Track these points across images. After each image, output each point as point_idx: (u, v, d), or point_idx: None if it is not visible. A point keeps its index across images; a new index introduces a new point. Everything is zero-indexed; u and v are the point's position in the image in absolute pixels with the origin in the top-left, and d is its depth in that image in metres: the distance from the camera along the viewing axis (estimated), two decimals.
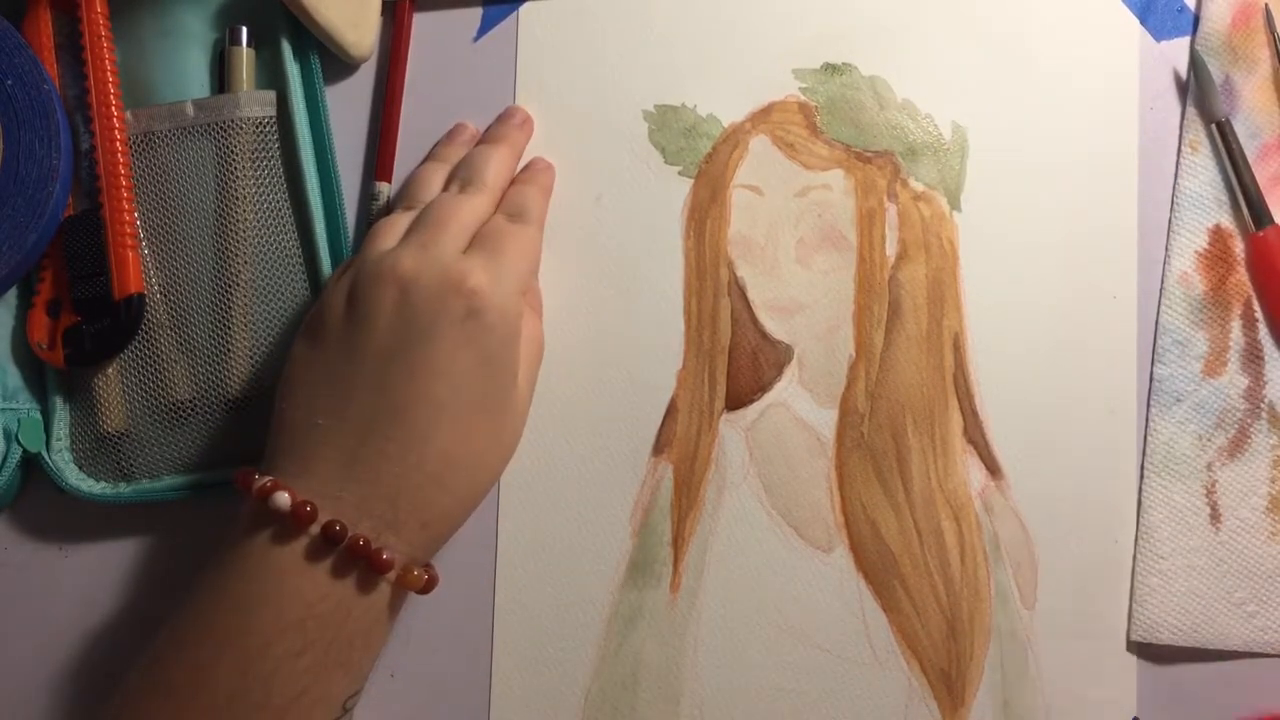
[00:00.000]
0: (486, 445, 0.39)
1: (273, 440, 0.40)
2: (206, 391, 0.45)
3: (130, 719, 0.37)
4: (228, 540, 0.38)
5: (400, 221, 0.43)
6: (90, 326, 0.44)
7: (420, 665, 0.46)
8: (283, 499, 0.37)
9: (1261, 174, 0.47)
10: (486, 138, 0.47)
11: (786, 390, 0.47)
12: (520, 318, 0.40)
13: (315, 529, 0.37)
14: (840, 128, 0.48)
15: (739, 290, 0.47)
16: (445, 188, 0.45)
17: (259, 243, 0.46)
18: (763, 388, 0.47)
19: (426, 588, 0.39)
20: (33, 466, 0.46)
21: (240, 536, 0.38)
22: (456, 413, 0.38)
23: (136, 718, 0.37)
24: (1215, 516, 0.46)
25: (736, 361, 0.47)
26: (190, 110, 0.46)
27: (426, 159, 0.47)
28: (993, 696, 0.45)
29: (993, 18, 0.48)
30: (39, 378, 0.46)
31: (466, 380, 0.38)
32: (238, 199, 0.46)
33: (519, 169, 0.47)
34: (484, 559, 0.46)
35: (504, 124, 0.47)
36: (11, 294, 0.46)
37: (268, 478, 0.38)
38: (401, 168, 0.48)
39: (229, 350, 0.45)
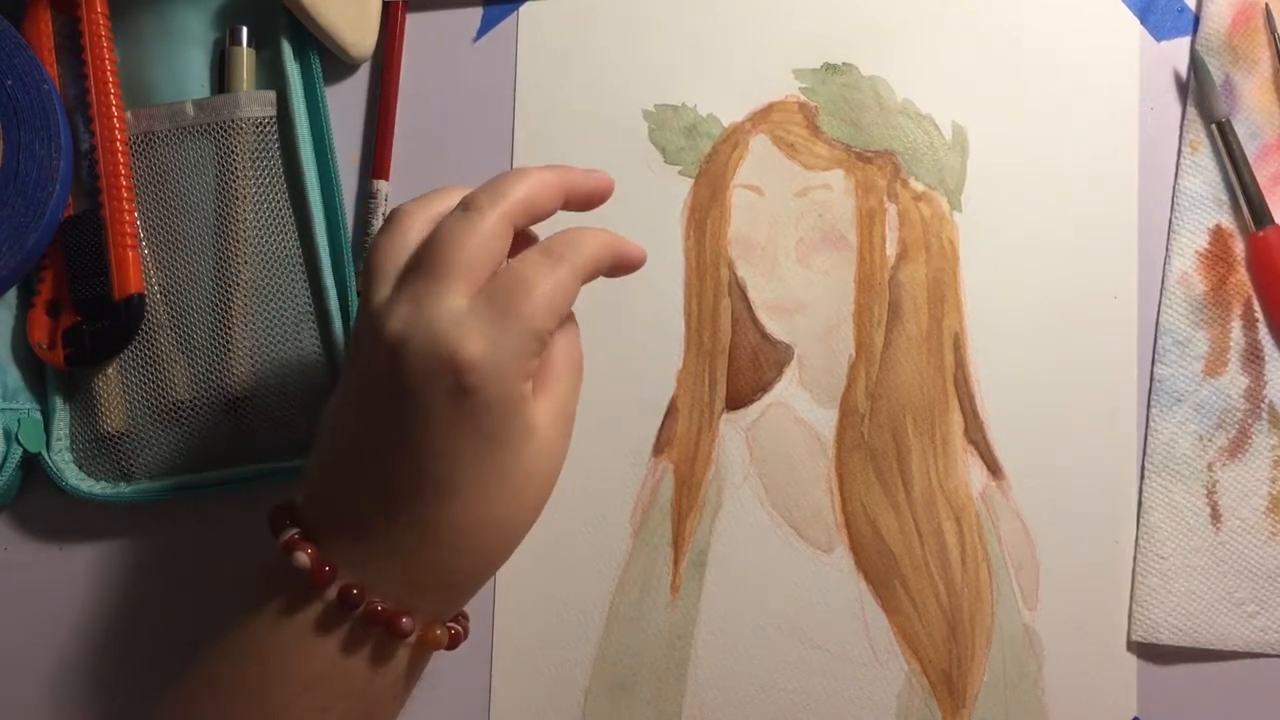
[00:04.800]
0: (506, 506, 0.36)
1: (308, 471, 0.38)
2: (206, 391, 0.45)
3: None
4: (258, 578, 0.37)
5: (394, 251, 0.36)
6: (90, 326, 0.44)
7: None
8: (302, 559, 0.35)
9: (1261, 174, 0.47)
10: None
11: (787, 390, 0.47)
12: (525, 381, 0.35)
13: (332, 593, 0.35)
14: (840, 128, 0.48)
15: (739, 290, 0.47)
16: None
17: (259, 243, 0.46)
18: (763, 388, 0.47)
19: (452, 644, 0.37)
20: (33, 466, 0.46)
21: (267, 586, 0.36)
22: (461, 488, 0.34)
23: None
24: (1216, 517, 0.46)
25: (736, 361, 0.47)
26: (190, 110, 0.46)
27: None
28: (994, 697, 0.45)
29: (993, 18, 0.48)
30: (39, 378, 0.46)
31: (468, 456, 0.34)
32: (238, 199, 0.46)
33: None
34: None
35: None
36: (11, 294, 0.46)
37: (294, 530, 0.36)
38: (401, 167, 0.48)
39: (229, 350, 0.45)
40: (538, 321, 0.34)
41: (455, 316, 0.34)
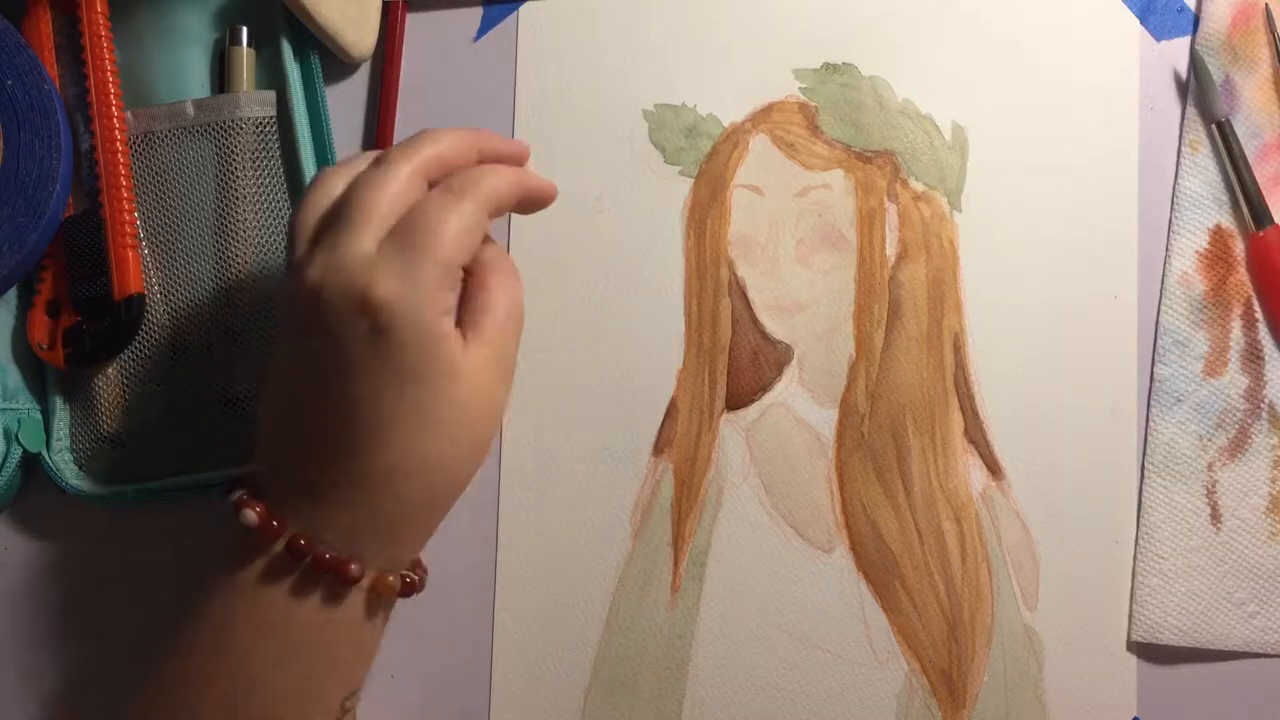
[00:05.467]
0: (437, 451, 0.36)
1: (258, 434, 0.39)
2: (206, 391, 0.45)
3: None
4: (217, 546, 0.38)
5: (311, 211, 0.37)
6: (90, 326, 0.44)
7: (420, 665, 0.46)
8: (249, 516, 0.36)
9: (1261, 174, 0.47)
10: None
11: (787, 390, 0.47)
12: (442, 316, 0.35)
13: (279, 545, 0.36)
14: (840, 128, 0.48)
15: (739, 290, 0.47)
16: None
17: (259, 243, 0.46)
18: (763, 388, 0.47)
19: (406, 592, 0.38)
20: (33, 466, 0.46)
21: (221, 548, 0.38)
22: (387, 431, 0.35)
23: None
24: (1216, 517, 0.46)
25: (736, 361, 0.47)
26: (190, 110, 0.46)
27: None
28: (994, 697, 0.45)
29: (993, 18, 0.48)
30: (39, 378, 0.46)
31: (392, 398, 0.35)
32: (238, 199, 0.46)
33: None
34: (484, 559, 0.46)
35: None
36: (11, 294, 0.46)
37: (241, 491, 0.37)
38: None
39: (229, 350, 0.45)
40: (445, 254, 0.35)
41: (365, 259, 0.35)
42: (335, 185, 0.37)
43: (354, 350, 0.35)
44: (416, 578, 0.38)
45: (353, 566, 0.36)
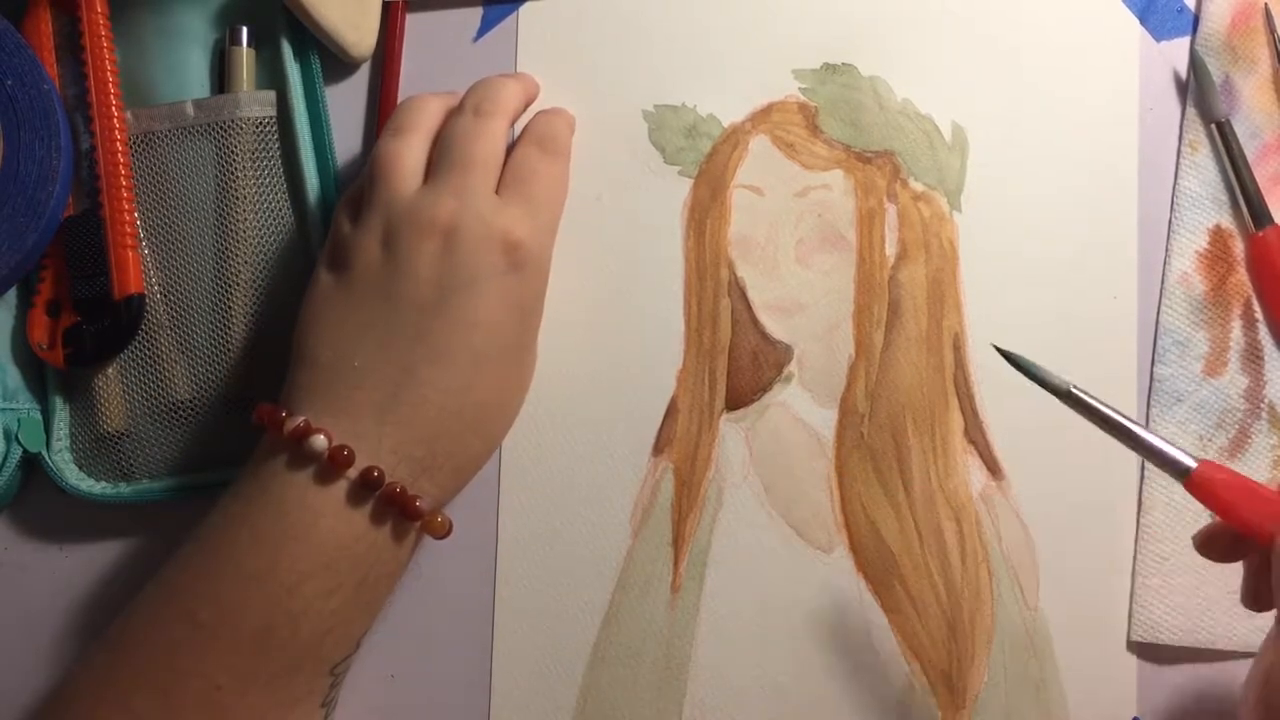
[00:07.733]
0: (515, 387, 0.41)
1: (296, 376, 0.39)
2: (206, 391, 0.45)
3: (155, 649, 0.37)
4: (248, 473, 0.38)
5: (412, 151, 0.41)
6: (90, 326, 0.44)
7: (420, 665, 0.46)
8: (320, 442, 0.36)
9: (1261, 174, 0.47)
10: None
11: (786, 390, 0.47)
12: (550, 262, 0.41)
13: (353, 474, 0.36)
14: (840, 128, 0.48)
15: (739, 290, 0.47)
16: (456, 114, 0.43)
17: (259, 243, 0.46)
18: (763, 388, 0.47)
19: (448, 532, 0.39)
20: (33, 466, 0.46)
21: (268, 475, 0.37)
22: (493, 360, 0.39)
23: (162, 647, 0.37)
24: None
25: (736, 361, 0.47)
26: (190, 110, 0.46)
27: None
28: (994, 697, 0.45)
29: (993, 18, 0.48)
30: (39, 378, 0.46)
31: (504, 329, 0.39)
32: (238, 199, 0.46)
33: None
34: (484, 559, 0.46)
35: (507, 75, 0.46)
36: (11, 294, 0.46)
37: (301, 418, 0.37)
38: None
39: (229, 350, 0.45)
40: (558, 206, 0.42)
41: (497, 203, 0.40)
42: (421, 129, 0.42)
43: (488, 282, 0.38)
44: (450, 521, 0.39)
45: (419, 502, 0.37)
